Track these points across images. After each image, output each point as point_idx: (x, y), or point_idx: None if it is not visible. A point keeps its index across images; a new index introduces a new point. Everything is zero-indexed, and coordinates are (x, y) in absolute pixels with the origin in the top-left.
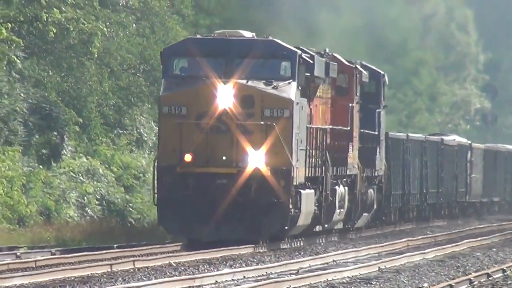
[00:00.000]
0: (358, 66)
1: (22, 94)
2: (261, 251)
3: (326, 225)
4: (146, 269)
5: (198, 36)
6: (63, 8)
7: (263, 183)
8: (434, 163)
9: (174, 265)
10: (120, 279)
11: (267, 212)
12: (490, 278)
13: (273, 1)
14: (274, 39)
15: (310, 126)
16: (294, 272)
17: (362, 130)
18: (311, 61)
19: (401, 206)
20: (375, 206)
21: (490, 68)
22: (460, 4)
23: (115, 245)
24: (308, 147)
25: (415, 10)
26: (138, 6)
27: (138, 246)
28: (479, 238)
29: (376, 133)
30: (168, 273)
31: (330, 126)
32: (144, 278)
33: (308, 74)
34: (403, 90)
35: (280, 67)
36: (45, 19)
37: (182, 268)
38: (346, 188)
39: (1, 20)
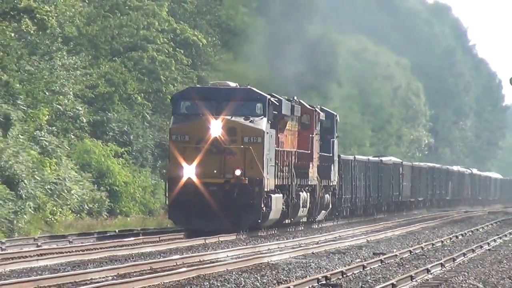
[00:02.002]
0: (317, 109)
1: (150, 136)
2: (243, 237)
3: (292, 219)
4: (215, 243)
5: (198, 86)
6: (174, 84)
7: (243, 189)
8: (376, 176)
9: (242, 238)
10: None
11: (245, 210)
12: (433, 246)
13: (300, 78)
14: (251, 88)
15: (278, 149)
16: (315, 242)
17: (320, 153)
18: (278, 104)
19: (350, 205)
20: (330, 206)
21: (433, 118)
22: (414, 79)
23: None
24: (277, 163)
25: (388, 83)
26: None
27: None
28: (427, 222)
29: (331, 155)
30: (238, 244)
31: (295, 150)
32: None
33: (276, 112)
34: (381, 133)
35: (256, 107)
36: (164, 90)
37: (248, 241)
38: (308, 194)
39: (137, 92)
